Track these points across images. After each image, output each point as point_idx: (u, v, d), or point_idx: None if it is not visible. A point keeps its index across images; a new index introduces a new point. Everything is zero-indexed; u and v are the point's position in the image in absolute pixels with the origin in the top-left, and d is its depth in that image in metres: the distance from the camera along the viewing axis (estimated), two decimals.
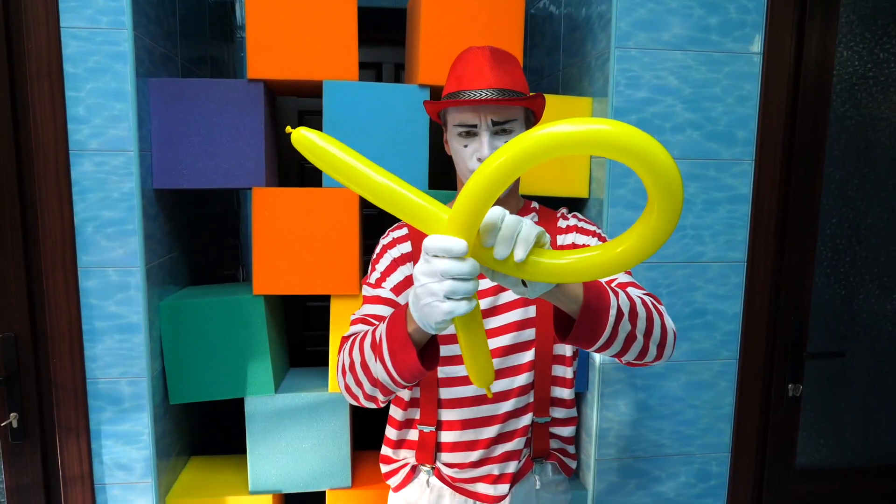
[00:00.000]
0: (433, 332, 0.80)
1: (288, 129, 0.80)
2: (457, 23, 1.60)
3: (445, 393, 1.17)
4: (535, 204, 1.25)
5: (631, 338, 0.90)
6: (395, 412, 1.23)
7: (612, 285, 1.06)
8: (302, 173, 2.75)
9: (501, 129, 1.09)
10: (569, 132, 0.64)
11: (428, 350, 0.94)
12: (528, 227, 0.73)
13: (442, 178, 1.81)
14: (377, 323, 1.05)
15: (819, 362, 1.81)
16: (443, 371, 1.16)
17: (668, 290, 1.67)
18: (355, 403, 1.03)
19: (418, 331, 0.87)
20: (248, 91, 1.56)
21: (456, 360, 1.15)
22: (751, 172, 1.67)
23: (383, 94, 1.59)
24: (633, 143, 0.64)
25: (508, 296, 1.14)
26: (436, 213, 0.76)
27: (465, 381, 1.16)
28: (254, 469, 1.64)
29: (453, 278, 0.72)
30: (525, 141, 0.66)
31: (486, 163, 0.70)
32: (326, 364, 1.93)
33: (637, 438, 1.73)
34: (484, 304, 1.14)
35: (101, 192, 1.46)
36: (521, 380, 1.15)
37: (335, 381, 1.63)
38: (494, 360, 1.14)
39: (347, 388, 1.01)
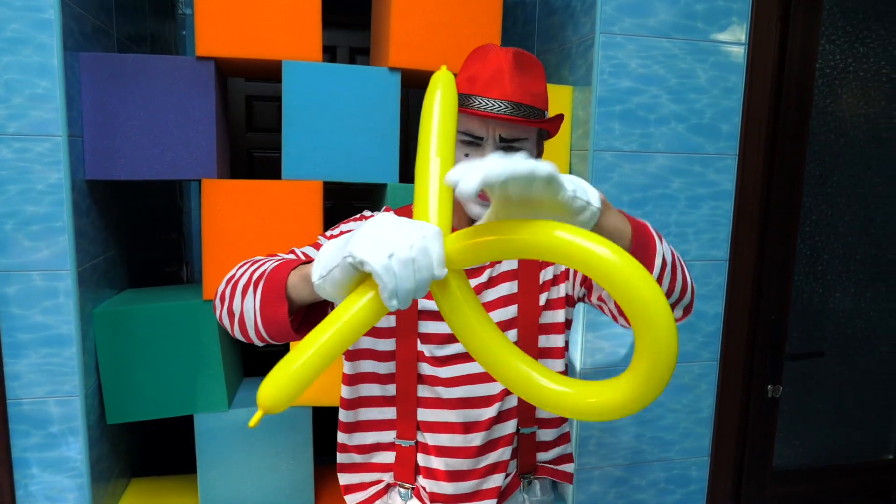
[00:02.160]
0: (315, 286, 0.70)
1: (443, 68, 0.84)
2: (430, 2, 1.46)
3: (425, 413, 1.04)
4: None
5: (669, 291, 0.83)
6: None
7: None
8: (251, 163, 2.55)
9: (509, 146, 0.96)
10: (589, 252, 0.59)
11: (309, 315, 0.83)
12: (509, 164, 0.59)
13: (413, 169, 1.67)
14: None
15: (795, 362, 1.77)
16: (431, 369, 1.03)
17: None
18: (217, 314, 0.88)
19: (304, 282, 0.75)
20: (196, 70, 1.38)
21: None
22: (734, 168, 1.61)
23: (350, 77, 1.44)
24: (646, 298, 0.58)
25: (490, 294, 1.04)
26: (447, 223, 0.71)
27: (447, 403, 1.04)
28: (205, 492, 1.47)
29: (414, 261, 0.62)
30: (546, 235, 0.61)
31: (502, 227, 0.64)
32: None
33: (617, 446, 1.65)
34: None
35: (23, 184, 1.26)
36: (501, 385, 1.04)
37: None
38: (475, 364, 1.03)
39: (217, 298, 0.88)
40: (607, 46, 1.49)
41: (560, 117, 1.00)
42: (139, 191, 1.88)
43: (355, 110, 1.46)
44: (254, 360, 2.07)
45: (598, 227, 0.72)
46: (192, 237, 2.47)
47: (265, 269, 0.82)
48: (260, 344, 0.85)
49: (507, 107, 0.92)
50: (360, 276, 0.67)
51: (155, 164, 1.39)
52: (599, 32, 1.48)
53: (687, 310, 0.90)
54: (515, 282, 1.05)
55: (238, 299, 0.82)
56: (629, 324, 0.95)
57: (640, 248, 0.77)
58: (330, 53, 2.52)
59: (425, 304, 1.02)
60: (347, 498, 1.09)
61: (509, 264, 1.05)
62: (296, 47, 1.43)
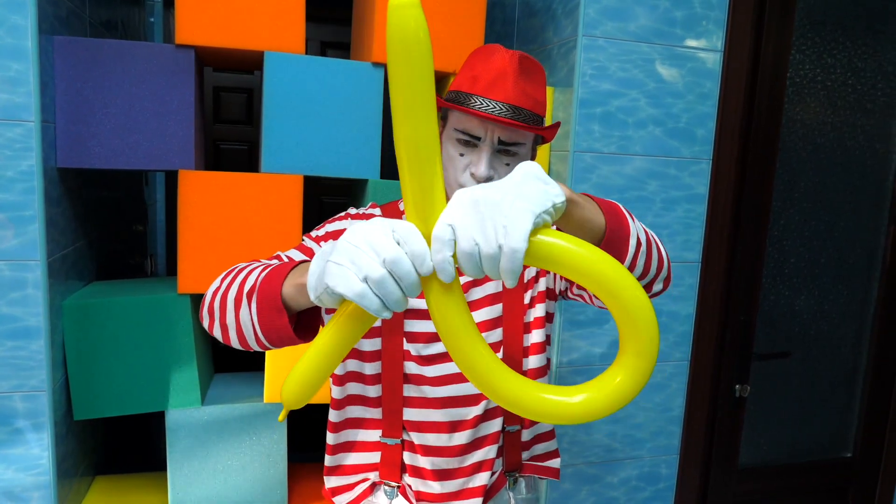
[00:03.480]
0: (313, 300, 0.67)
1: None
2: None
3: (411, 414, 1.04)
4: None
5: (645, 269, 0.83)
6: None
7: None
8: (217, 155, 2.51)
9: (505, 150, 0.95)
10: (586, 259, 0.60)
11: (306, 316, 0.82)
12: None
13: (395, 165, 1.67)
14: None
15: (761, 363, 1.82)
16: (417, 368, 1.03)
17: None
18: (206, 325, 0.86)
19: (300, 293, 0.73)
20: (176, 58, 1.35)
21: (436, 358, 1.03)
22: (708, 172, 1.64)
23: (333, 71, 1.43)
24: (631, 299, 0.60)
25: (477, 293, 1.04)
26: (437, 211, 0.62)
27: (433, 402, 1.04)
28: (175, 491, 1.43)
29: (392, 274, 0.59)
30: (553, 245, 0.60)
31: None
32: (260, 368, 1.74)
33: (590, 443, 1.67)
34: None
35: None
36: None
37: (271, 389, 1.46)
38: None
39: (205, 307, 0.85)
40: (589, 49, 1.51)
41: (558, 125, 1.01)
42: (107, 181, 1.83)
43: (338, 105, 1.45)
44: (225, 357, 2.03)
45: (568, 219, 0.70)
46: (156, 229, 2.42)
47: (255, 281, 0.78)
48: (260, 350, 0.83)
49: (509, 110, 0.92)
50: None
51: (130, 154, 1.35)
52: (582, 35, 1.50)
53: (666, 281, 0.90)
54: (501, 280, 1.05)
55: (231, 313, 0.80)
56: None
57: (615, 233, 0.76)
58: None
59: (411, 302, 1.01)
60: (335, 500, 1.08)
61: None
62: (278, 39, 1.41)
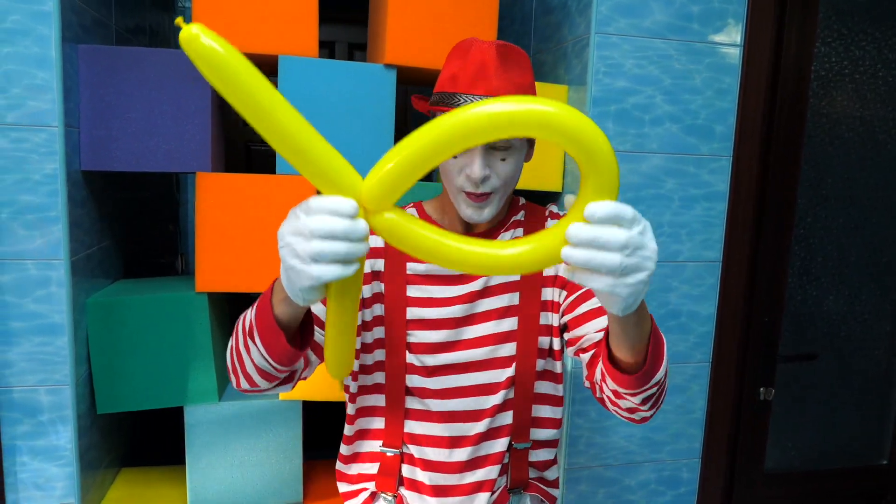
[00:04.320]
0: (303, 304, 0.69)
1: (178, 20, 0.60)
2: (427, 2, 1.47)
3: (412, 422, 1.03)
4: (522, 200, 1.09)
5: (661, 397, 0.84)
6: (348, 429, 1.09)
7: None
8: (249, 157, 2.56)
9: (501, 146, 0.90)
10: (512, 111, 0.59)
11: (307, 326, 0.85)
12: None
13: None
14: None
15: (787, 364, 1.77)
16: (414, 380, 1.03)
17: None
18: (233, 385, 0.91)
19: (289, 305, 0.75)
20: (192, 63, 1.39)
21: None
22: (728, 169, 1.61)
23: (346, 74, 1.45)
24: (576, 129, 0.60)
25: (488, 303, 1.00)
26: (350, 179, 0.64)
27: (435, 416, 1.02)
28: (193, 484, 1.47)
29: (322, 237, 0.61)
30: (465, 117, 0.60)
31: (421, 134, 0.62)
32: None
33: (607, 445, 1.65)
34: (458, 311, 0.99)
35: (20, 174, 1.27)
36: (496, 398, 1.00)
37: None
38: (464, 376, 1.00)
39: (230, 369, 0.90)
40: (602, 46, 1.49)
41: None
42: (135, 182, 1.89)
43: (351, 107, 1.47)
44: None
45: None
46: (188, 229, 2.49)
47: (251, 320, 0.81)
48: (282, 377, 0.86)
49: None
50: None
51: (150, 157, 1.40)
52: (594, 32, 1.49)
53: (652, 415, 0.88)
54: (517, 294, 1.01)
55: (248, 361, 0.83)
56: (590, 376, 0.94)
57: (651, 363, 0.77)
58: (328, 49, 2.53)
59: (413, 312, 0.99)
60: None
61: (510, 276, 1.00)
62: (292, 42, 1.44)
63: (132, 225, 1.85)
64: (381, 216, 0.66)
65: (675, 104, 1.56)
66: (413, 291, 1.00)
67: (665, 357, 0.81)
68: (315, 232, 0.61)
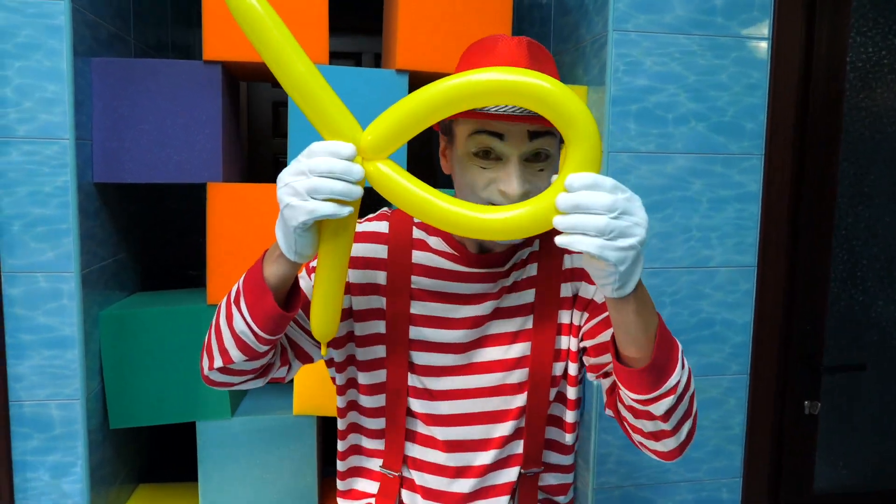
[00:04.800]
0: (294, 258, 0.73)
1: None
2: (439, 4, 1.45)
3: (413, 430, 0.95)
4: None
5: (683, 414, 0.78)
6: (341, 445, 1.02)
7: None
8: (277, 170, 2.58)
9: (535, 155, 0.81)
10: (506, 81, 0.66)
11: (294, 297, 0.84)
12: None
13: (419, 174, 1.64)
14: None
15: (835, 376, 1.65)
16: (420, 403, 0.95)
17: (673, 298, 1.51)
18: (203, 372, 0.87)
19: (280, 265, 0.77)
20: (203, 74, 1.39)
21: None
22: (760, 168, 1.52)
23: (356, 80, 1.43)
24: (559, 101, 0.66)
25: (499, 326, 0.92)
26: (352, 128, 0.71)
27: (446, 420, 0.94)
28: (206, 502, 1.43)
29: (321, 174, 0.67)
30: (459, 82, 0.67)
31: (418, 94, 0.68)
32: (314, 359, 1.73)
33: (639, 464, 1.55)
34: (466, 335, 0.91)
35: (31, 186, 1.27)
36: (505, 428, 0.92)
37: (301, 400, 1.44)
38: (470, 402, 0.92)
39: (204, 349, 0.87)
40: (620, 44, 1.44)
41: None
42: (162, 191, 1.90)
43: (363, 113, 1.44)
44: None
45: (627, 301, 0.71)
46: None
47: (238, 286, 0.81)
48: (262, 352, 0.82)
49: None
50: (314, 226, 0.72)
51: (161, 168, 1.39)
52: (612, 30, 1.43)
53: (681, 448, 0.81)
54: (530, 317, 0.93)
55: (226, 331, 0.81)
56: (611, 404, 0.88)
57: (665, 339, 0.75)
58: (355, 59, 2.54)
59: (417, 332, 0.91)
60: None
61: (531, 270, 0.93)
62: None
63: (155, 237, 1.85)
64: (375, 164, 0.71)
65: (701, 101, 1.49)
66: (417, 309, 0.91)
67: (680, 360, 0.76)
68: (314, 170, 0.66)
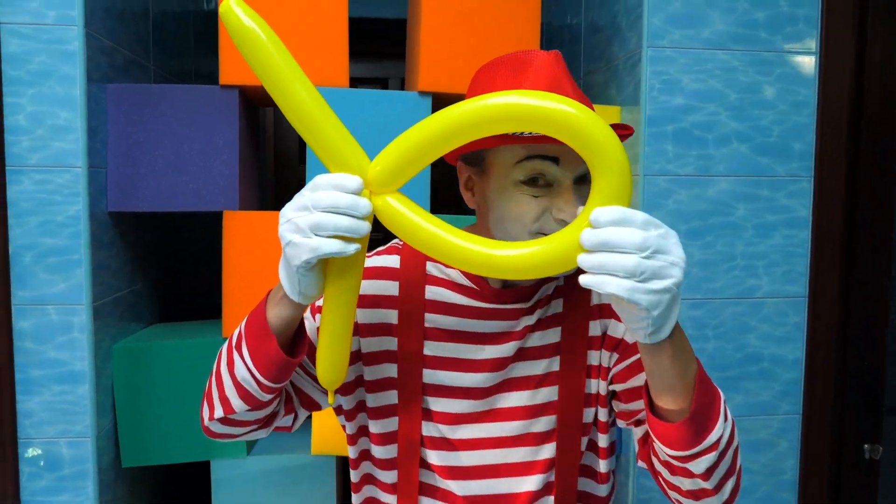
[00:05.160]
0: (299, 299, 0.68)
1: None
2: (463, 24, 1.39)
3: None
4: None
5: (726, 471, 0.70)
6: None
7: None
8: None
9: (580, 178, 0.74)
10: (530, 106, 0.60)
11: (299, 341, 0.77)
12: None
13: (444, 199, 1.58)
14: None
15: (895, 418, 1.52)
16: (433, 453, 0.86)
17: (716, 331, 1.41)
18: (203, 422, 0.81)
19: (284, 307, 0.71)
20: (220, 99, 1.35)
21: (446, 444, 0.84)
22: (810, 191, 1.42)
23: (378, 103, 1.37)
24: (585, 129, 0.59)
25: (524, 369, 0.83)
26: (358, 159, 0.66)
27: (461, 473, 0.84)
28: None
29: (325, 209, 0.62)
30: (477, 106, 0.61)
31: (430, 121, 0.63)
32: (307, 419, 1.66)
33: None
34: (487, 378, 0.83)
35: (43, 216, 1.24)
36: (533, 482, 0.83)
37: (320, 439, 1.37)
38: (492, 453, 0.83)
39: (204, 397, 0.81)
40: (656, 61, 1.36)
41: (630, 130, 0.77)
42: (184, 218, 1.86)
43: (386, 137, 1.38)
44: None
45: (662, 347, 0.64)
46: None
47: (240, 331, 0.76)
48: (267, 400, 0.75)
49: None
50: (319, 265, 0.66)
51: (177, 196, 1.35)
52: (647, 47, 1.35)
53: (717, 489, 0.72)
54: (556, 358, 0.84)
55: (227, 379, 0.75)
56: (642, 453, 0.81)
57: (705, 386, 0.68)
58: (381, 84, 2.51)
59: (432, 375, 0.83)
60: None
61: (556, 306, 0.84)
62: (322, 74, 1.38)
63: (175, 265, 1.82)
64: (384, 198, 0.66)
65: (744, 121, 1.39)
66: (432, 349, 0.83)
67: (722, 412, 0.68)
68: (318, 204, 0.62)
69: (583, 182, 0.75)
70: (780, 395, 1.44)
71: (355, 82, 2.47)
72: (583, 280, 0.59)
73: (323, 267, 0.68)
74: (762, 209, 1.41)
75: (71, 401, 1.25)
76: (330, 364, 0.72)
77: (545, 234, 0.72)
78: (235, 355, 0.74)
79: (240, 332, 0.75)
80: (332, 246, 0.62)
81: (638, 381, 0.79)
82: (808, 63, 1.40)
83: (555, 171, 0.72)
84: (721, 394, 0.70)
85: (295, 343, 0.76)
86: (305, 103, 0.63)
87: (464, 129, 0.62)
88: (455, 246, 0.64)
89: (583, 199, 0.74)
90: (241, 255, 1.35)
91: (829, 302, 1.43)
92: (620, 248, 0.57)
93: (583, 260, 0.60)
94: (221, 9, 0.63)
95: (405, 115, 1.38)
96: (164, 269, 1.72)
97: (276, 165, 2.56)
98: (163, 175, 1.34)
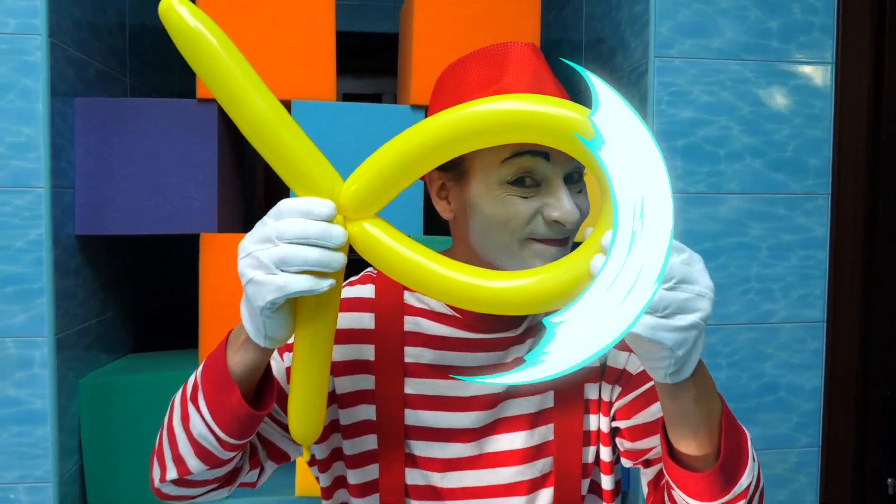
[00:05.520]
0: (265, 343, 0.58)
1: None
2: (456, 37, 1.31)
3: None
4: None
5: None
6: None
7: None
8: None
9: (570, 175, 0.66)
10: (532, 113, 0.53)
11: (265, 394, 0.67)
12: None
13: (437, 222, 1.48)
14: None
15: None
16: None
17: (730, 359, 1.32)
18: (154, 484, 0.70)
19: (248, 352, 0.61)
20: (197, 113, 1.25)
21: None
22: (827, 209, 1.34)
23: (368, 117, 1.28)
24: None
25: (516, 407, 0.74)
26: (329, 180, 0.56)
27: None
28: None
29: (292, 240, 0.53)
30: (473, 113, 0.53)
31: (415, 132, 0.55)
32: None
33: None
34: (476, 418, 0.73)
35: (0, 240, 1.13)
36: None
37: (303, 480, 1.26)
38: (485, 503, 0.74)
39: (154, 455, 0.70)
40: (664, 72, 1.28)
41: None
42: (154, 242, 1.75)
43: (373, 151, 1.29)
44: None
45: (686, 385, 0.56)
46: None
47: (195, 380, 0.65)
48: (228, 458, 0.65)
49: None
50: (288, 304, 0.57)
51: (151, 218, 1.25)
52: (654, 56, 1.27)
53: None
54: (550, 393, 0.76)
55: (182, 435, 0.65)
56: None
57: (728, 455, 0.59)
58: (375, 100, 2.43)
59: (415, 416, 0.73)
60: None
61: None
62: (307, 87, 1.29)
63: (151, 291, 1.71)
64: (360, 225, 0.57)
65: (757, 135, 1.31)
66: (414, 388, 0.74)
67: (750, 455, 0.61)
68: (283, 235, 0.53)
69: (572, 181, 0.66)
70: (797, 426, 1.36)
71: (349, 98, 2.39)
72: None
73: (292, 305, 0.58)
74: (777, 229, 1.32)
75: (30, 443, 1.14)
76: (304, 416, 0.63)
77: (535, 240, 0.65)
78: (191, 408, 0.64)
79: (195, 380, 0.65)
80: (302, 283, 0.53)
81: (645, 416, 0.71)
82: (823, 74, 1.32)
83: (545, 168, 0.63)
84: (746, 433, 0.63)
85: (261, 391, 0.67)
86: (263, 114, 0.54)
87: (451, 141, 0.54)
88: (447, 280, 0.55)
89: (576, 200, 0.66)
90: (219, 281, 1.25)
91: (849, 327, 1.35)
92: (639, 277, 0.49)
93: None
94: (161, 8, 0.53)
95: (397, 129, 1.29)
96: (137, 296, 1.61)
97: (267, 184, 2.46)
98: (135, 195, 1.24)
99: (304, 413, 0.62)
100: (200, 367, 0.65)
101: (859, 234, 1.34)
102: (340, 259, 0.55)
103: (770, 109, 1.31)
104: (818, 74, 1.32)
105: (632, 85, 1.35)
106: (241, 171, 1.52)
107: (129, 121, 1.24)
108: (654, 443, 0.71)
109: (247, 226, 1.57)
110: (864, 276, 1.34)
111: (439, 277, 0.56)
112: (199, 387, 0.63)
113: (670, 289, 0.50)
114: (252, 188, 2.30)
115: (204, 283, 1.24)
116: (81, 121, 1.23)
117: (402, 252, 0.56)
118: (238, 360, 0.61)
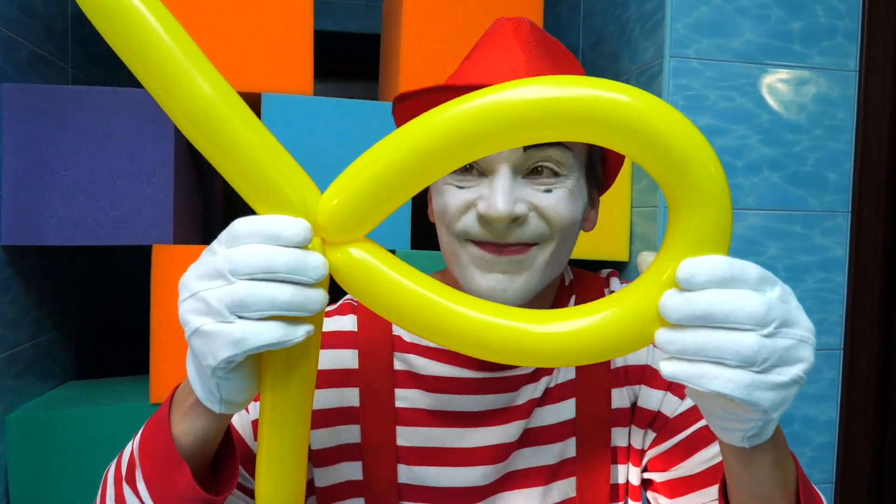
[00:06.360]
0: (219, 410, 0.44)
1: None
2: (445, 37, 1.18)
3: None
4: (568, 272, 0.70)
5: None
6: None
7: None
8: None
9: (535, 169, 0.54)
10: (556, 98, 0.38)
11: (225, 464, 0.53)
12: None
13: (426, 235, 1.35)
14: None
15: None
16: None
17: None
18: None
19: (198, 418, 0.47)
20: (150, 104, 1.08)
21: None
22: (846, 228, 1.24)
23: (347, 113, 1.13)
24: (660, 130, 0.38)
25: (531, 457, 0.62)
26: (301, 192, 0.42)
27: None
28: None
29: (252, 275, 0.39)
30: (478, 106, 0.39)
31: (408, 132, 0.40)
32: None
33: None
34: (488, 474, 0.61)
35: None
36: None
37: None
38: None
39: None
40: (679, 74, 1.16)
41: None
42: (105, 253, 1.57)
43: (355, 154, 1.14)
44: None
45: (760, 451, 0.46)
46: None
47: (130, 454, 0.50)
48: None
49: None
50: (249, 360, 0.43)
51: (94, 226, 1.07)
52: (669, 56, 1.15)
53: None
54: (572, 440, 0.64)
55: None
56: None
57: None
58: None
59: (410, 473, 0.61)
60: None
61: (567, 373, 0.64)
62: (283, 80, 1.13)
63: (100, 307, 1.52)
64: (345, 251, 0.43)
65: (775, 146, 1.20)
66: (407, 438, 0.61)
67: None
68: (240, 268, 0.39)
69: (534, 176, 0.54)
70: (811, 461, 1.26)
71: None
72: (667, 370, 0.40)
73: (256, 359, 0.44)
74: (795, 248, 1.22)
75: None
76: (276, 496, 0.48)
77: (471, 240, 0.55)
78: (126, 491, 0.49)
79: (131, 454, 0.50)
80: (269, 334, 0.39)
81: (688, 468, 0.60)
82: (846, 82, 1.22)
83: (478, 166, 0.54)
84: (822, 497, 0.53)
85: (219, 462, 0.52)
86: (209, 103, 0.40)
87: (461, 142, 0.39)
88: (475, 324, 0.41)
89: (526, 195, 0.53)
90: (174, 299, 1.08)
91: (868, 355, 1.26)
92: (730, 322, 0.38)
93: (667, 340, 0.40)
94: None
95: (379, 129, 1.14)
96: (80, 315, 1.41)
97: (227, 190, 2.27)
98: (74, 200, 1.06)
99: (273, 491, 0.48)
100: (138, 437, 0.50)
101: (880, 255, 1.24)
102: (319, 298, 0.41)
103: (788, 119, 1.20)
104: (840, 82, 1.22)
105: (641, 87, 1.23)
106: (202, 172, 1.35)
107: (69, 112, 1.06)
108: (698, 500, 0.60)
109: (207, 237, 1.40)
110: (884, 301, 1.25)
111: (462, 321, 0.42)
112: (137, 463, 0.48)
113: (769, 335, 0.39)
114: (212, 192, 2.11)
115: (156, 302, 1.07)
116: (10, 111, 1.05)
117: (405, 286, 0.42)
118: (186, 430, 0.46)
